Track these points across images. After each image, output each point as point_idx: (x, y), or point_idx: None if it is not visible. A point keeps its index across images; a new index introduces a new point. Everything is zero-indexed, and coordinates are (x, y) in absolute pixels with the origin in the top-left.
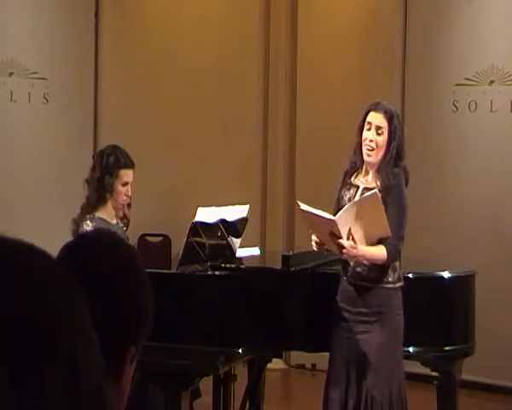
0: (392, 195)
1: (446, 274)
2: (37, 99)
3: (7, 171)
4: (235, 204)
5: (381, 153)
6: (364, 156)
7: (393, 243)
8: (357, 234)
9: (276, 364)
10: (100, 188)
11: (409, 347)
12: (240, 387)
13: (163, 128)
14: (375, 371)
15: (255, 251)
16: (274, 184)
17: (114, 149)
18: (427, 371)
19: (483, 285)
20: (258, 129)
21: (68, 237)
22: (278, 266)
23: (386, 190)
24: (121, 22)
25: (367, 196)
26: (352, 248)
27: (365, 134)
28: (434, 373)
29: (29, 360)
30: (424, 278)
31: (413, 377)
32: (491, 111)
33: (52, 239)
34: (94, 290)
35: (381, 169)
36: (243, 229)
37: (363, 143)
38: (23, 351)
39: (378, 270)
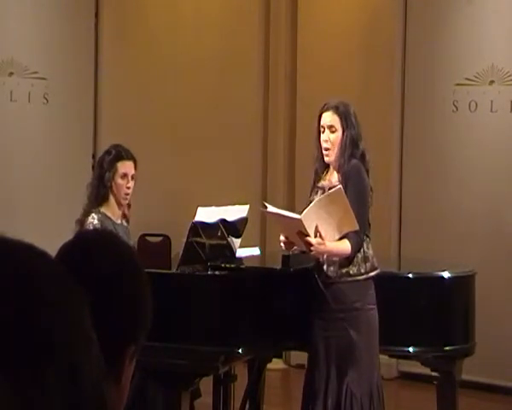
0: (349, 186)
1: (446, 274)
2: (37, 99)
3: (7, 171)
4: (235, 204)
5: (338, 148)
6: (325, 158)
7: (355, 235)
8: (325, 230)
9: (276, 364)
10: (100, 186)
11: (409, 347)
12: (240, 387)
13: (163, 128)
14: (355, 366)
15: (255, 251)
16: (274, 184)
17: (113, 147)
18: (427, 371)
19: (483, 285)
20: (258, 129)
21: (68, 237)
22: (278, 266)
23: (344, 183)
24: (121, 22)
25: (331, 193)
26: (320, 244)
27: (321, 137)
28: (434, 373)
29: (29, 360)
30: (424, 278)
31: (413, 377)
32: (491, 111)
33: (52, 239)
34: (92, 290)
35: (339, 166)
36: (243, 229)
37: (322, 147)
38: (23, 351)
39: (348, 264)
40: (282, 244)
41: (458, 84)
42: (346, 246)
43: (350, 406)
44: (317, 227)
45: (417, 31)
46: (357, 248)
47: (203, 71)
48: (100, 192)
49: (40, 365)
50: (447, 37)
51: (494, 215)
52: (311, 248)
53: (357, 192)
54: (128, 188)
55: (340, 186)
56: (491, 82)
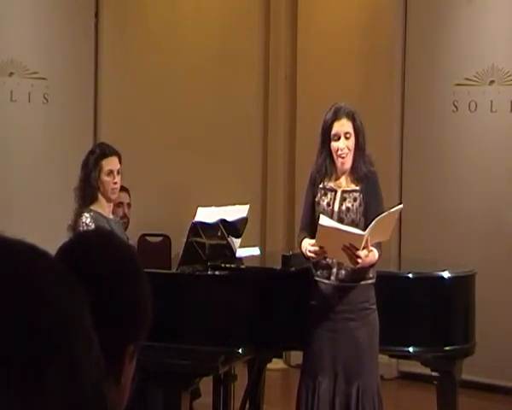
0: (372, 193)
1: (446, 274)
2: (37, 99)
3: (7, 171)
4: (235, 204)
5: (352, 154)
6: (339, 165)
7: (378, 244)
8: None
9: (276, 364)
10: (87, 186)
11: (409, 347)
12: (240, 387)
13: (163, 128)
14: (363, 366)
15: (255, 251)
16: (274, 185)
17: (96, 146)
18: (427, 371)
19: (483, 285)
20: (258, 129)
21: (67, 238)
22: (278, 266)
23: (364, 187)
24: (121, 22)
25: (394, 211)
26: (366, 257)
27: (335, 145)
28: (434, 373)
29: (29, 360)
30: (424, 278)
31: (413, 377)
32: (491, 111)
33: (52, 239)
34: (92, 290)
35: (354, 170)
36: (243, 229)
37: (334, 154)
38: (23, 351)
39: (362, 269)
40: (310, 254)
41: (458, 85)
42: (376, 255)
43: (362, 406)
44: (367, 241)
45: (417, 31)
46: (380, 256)
47: (203, 71)
48: (88, 193)
49: (40, 365)
50: (447, 37)
51: (494, 215)
52: (359, 260)
53: (379, 201)
54: (115, 183)
55: (401, 205)
56: (491, 82)
